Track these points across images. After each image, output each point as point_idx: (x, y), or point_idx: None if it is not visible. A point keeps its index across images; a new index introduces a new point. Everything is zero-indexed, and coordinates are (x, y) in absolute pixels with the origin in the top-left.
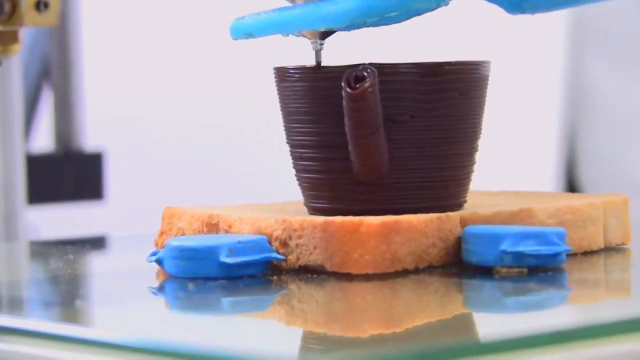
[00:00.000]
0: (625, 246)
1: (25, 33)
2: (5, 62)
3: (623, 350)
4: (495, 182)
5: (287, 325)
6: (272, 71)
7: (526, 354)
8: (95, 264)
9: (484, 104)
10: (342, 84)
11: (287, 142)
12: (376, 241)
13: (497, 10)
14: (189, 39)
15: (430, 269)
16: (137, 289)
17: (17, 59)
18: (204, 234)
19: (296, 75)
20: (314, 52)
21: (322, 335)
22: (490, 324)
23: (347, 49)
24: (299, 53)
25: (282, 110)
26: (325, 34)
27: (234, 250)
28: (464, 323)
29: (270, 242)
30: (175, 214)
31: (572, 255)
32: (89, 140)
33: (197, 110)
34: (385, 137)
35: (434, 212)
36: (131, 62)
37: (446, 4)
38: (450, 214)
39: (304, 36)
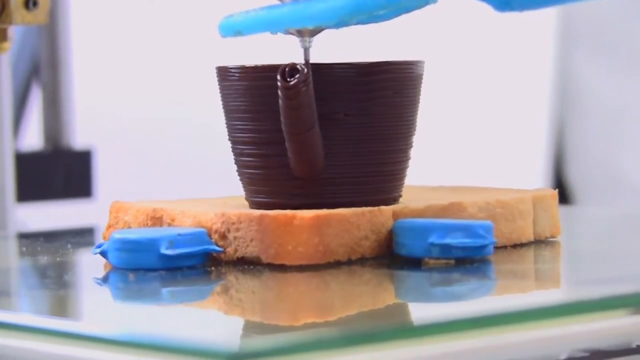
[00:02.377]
0: (554, 239)
1: (14, 31)
2: None
3: (544, 335)
4: (482, 179)
5: (225, 314)
6: (214, 70)
7: (450, 338)
8: (48, 255)
9: (418, 102)
10: (277, 77)
11: (229, 139)
12: (309, 234)
13: (486, 8)
14: (178, 38)
15: (362, 261)
16: (84, 280)
17: (7, 57)
18: (149, 227)
19: (236, 75)
20: (302, 49)
21: (258, 323)
22: (418, 312)
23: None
24: (285, 53)
25: (223, 108)
26: (313, 32)
27: (173, 242)
28: (394, 311)
29: (209, 235)
30: (121, 208)
31: (501, 247)
32: (78, 138)
33: (186, 108)
34: (320, 134)
35: (368, 206)
36: (120, 60)
37: (435, 2)
38: (382, 207)
39: (293, 34)
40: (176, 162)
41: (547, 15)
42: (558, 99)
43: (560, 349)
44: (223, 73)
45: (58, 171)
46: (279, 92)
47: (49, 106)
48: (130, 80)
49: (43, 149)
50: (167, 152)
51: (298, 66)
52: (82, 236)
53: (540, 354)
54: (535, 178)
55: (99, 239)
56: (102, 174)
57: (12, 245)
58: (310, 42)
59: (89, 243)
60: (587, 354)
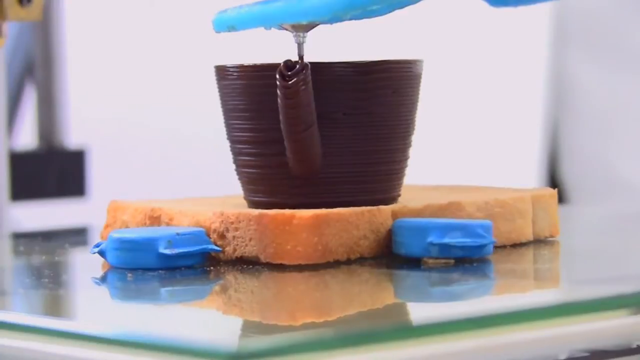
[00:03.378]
0: (553, 239)
1: (8, 28)
2: None
3: (544, 336)
4: (477, 178)
5: (223, 314)
6: (213, 69)
7: (450, 338)
8: (46, 255)
9: (417, 102)
10: (276, 75)
11: (227, 138)
12: (308, 233)
13: (480, 4)
14: (174, 36)
15: (361, 260)
16: (82, 279)
17: (1, 54)
18: (147, 226)
19: (235, 73)
20: (296, 45)
21: (256, 323)
22: (418, 312)
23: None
24: (281, 52)
25: (222, 107)
26: (307, 27)
27: (172, 242)
28: (393, 311)
29: (208, 234)
30: (119, 207)
31: (500, 247)
32: (72, 137)
33: (180, 107)
34: (319, 133)
35: (367, 205)
36: (115, 59)
37: None
38: (381, 207)
39: (287, 29)
40: (170, 161)
41: (541, 15)
42: (552, 98)
43: (560, 349)
44: (221, 72)
45: (52, 170)
46: (278, 91)
47: (43, 105)
48: (125, 79)
49: (37, 148)
50: (162, 152)
51: (296, 64)
52: (78, 235)
53: (540, 354)
54: (529, 177)
55: (93, 238)
56: (96, 173)
57: (8, 245)
58: (304, 37)
59: (85, 242)
60: (587, 354)
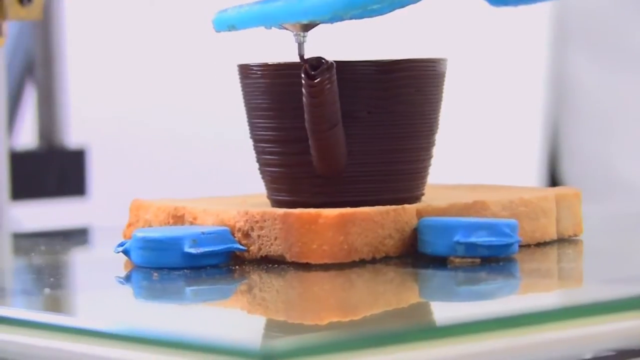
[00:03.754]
0: (577, 238)
1: (8, 27)
2: None
3: (570, 335)
4: (477, 177)
5: (248, 313)
6: (236, 68)
7: (476, 339)
8: (67, 254)
9: (441, 100)
10: (302, 74)
11: (251, 137)
12: (333, 232)
13: (480, 3)
14: (174, 35)
15: (386, 260)
16: (105, 279)
17: (1, 54)
18: (170, 225)
19: (258, 72)
20: (296, 44)
21: (282, 322)
22: (443, 312)
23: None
24: (278, 51)
25: (245, 106)
26: (308, 27)
27: (197, 241)
28: (419, 311)
29: (232, 234)
30: (142, 206)
31: (524, 246)
32: (72, 136)
33: (180, 106)
34: (343, 132)
35: (391, 204)
36: (115, 58)
37: None
38: (406, 206)
39: (287, 29)
40: (171, 161)
41: (541, 15)
42: (552, 98)
43: (585, 348)
44: (244, 71)
45: (52, 170)
46: (303, 90)
47: (43, 104)
48: (125, 79)
49: (37, 147)
50: (162, 151)
51: (321, 63)
52: (93, 235)
53: (565, 354)
54: (529, 177)
55: (100, 238)
56: (96, 173)
57: (30, 244)
58: (304, 36)
59: (100, 242)
60: (612, 353)
